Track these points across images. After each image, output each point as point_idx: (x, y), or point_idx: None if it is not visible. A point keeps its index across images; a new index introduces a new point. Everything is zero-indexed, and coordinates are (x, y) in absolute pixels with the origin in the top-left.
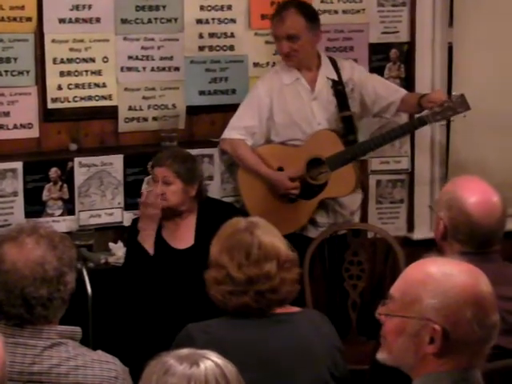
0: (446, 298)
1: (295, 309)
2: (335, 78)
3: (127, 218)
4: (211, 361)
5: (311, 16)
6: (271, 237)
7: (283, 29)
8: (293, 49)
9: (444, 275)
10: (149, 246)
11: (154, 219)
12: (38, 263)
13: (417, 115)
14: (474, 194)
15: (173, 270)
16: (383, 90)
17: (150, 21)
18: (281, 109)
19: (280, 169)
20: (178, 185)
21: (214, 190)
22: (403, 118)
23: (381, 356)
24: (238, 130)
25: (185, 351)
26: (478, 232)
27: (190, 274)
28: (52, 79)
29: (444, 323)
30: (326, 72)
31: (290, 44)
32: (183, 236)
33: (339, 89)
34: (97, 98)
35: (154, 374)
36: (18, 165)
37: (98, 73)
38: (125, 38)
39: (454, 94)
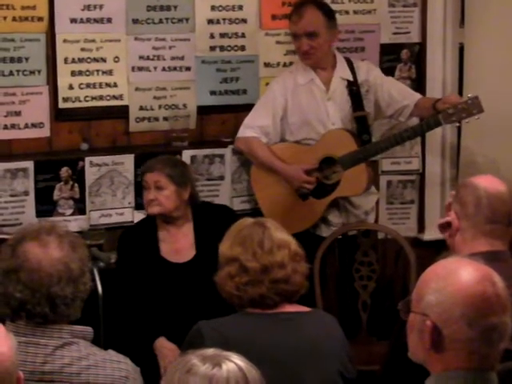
0: (441, 296)
1: (305, 308)
2: (350, 78)
3: (138, 218)
4: (234, 363)
5: (329, 14)
6: (280, 231)
7: (302, 25)
8: (312, 46)
9: (447, 273)
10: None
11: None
12: (63, 262)
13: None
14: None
15: (177, 286)
16: (398, 94)
17: (161, 21)
18: (295, 109)
19: None
20: (170, 188)
21: (225, 190)
22: (414, 121)
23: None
24: (252, 128)
25: (210, 351)
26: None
27: (197, 284)
28: (63, 79)
29: (436, 319)
30: (341, 72)
31: (309, 42)
32: (183, 249)
33: (354, 89)
34: (108, 97)
35: (177, 371)
36: (30, 164)
37: (110, 73)
38: (136, 38)
39: (468, 96)
